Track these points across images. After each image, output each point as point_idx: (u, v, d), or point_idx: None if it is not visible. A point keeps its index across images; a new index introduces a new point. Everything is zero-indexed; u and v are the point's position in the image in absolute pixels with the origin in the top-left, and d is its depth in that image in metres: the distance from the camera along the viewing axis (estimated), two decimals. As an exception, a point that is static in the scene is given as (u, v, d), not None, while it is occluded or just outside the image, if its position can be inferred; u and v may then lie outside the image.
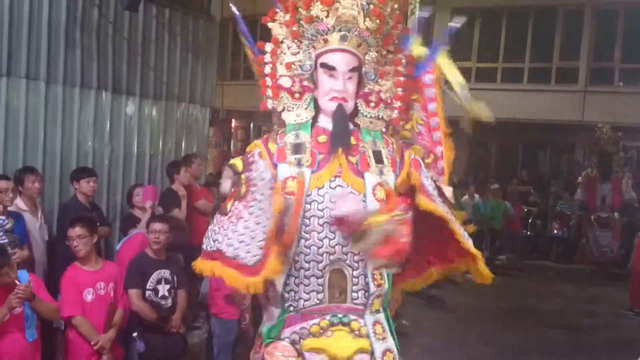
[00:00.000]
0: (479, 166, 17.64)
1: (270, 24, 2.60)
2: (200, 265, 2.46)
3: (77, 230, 4.25)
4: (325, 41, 2.45)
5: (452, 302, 9.31)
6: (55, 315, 4.17)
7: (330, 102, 2.47)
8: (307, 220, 2.41)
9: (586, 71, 15.12)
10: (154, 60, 7.33)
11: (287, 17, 2.50)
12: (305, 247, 2.40)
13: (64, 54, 6.27)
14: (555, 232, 13.31)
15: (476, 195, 12.36)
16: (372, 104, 2.55)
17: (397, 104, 2.60)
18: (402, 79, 2.60)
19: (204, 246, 2.48)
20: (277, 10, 2.58)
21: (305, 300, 2.44)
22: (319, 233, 2.41)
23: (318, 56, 2.49)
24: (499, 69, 16.09)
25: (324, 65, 2.47)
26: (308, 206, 2.40)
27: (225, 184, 2.58)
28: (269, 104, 2.53)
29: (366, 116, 2.54)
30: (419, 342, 6.98)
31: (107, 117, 6.77)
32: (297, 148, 2.44)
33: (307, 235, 2.41)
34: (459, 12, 16.49)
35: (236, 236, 2.37)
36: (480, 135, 17.67)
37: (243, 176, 2.43)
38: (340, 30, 2.44)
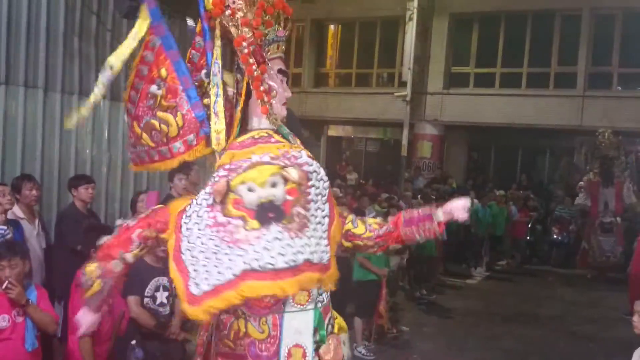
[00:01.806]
0: (478, 171, 17.64)
1: (223, 19, 2.39)
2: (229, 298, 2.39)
3: None
4: (278, 48, 2.47)
5: (451, 307, 9.31)
6: (50, 326, 4.06)
7: (283, 107, 2.48)
8: None
9: (584, 76, 15.12)
10: (153, 67, 7.31)
11: (242, 16, 2.36)
12: None
13: (62, 61, 6.27)
14: (555, 237, 13.30)
15: (475, 201, 12.31)
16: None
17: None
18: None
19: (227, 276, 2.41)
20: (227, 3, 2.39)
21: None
22: None
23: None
24: (497, 74, 16.09)
25: (282, 72, 2.47)
26: None
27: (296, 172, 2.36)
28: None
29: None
30: (419, 347, 6.93)
31: (105, 125, 6.77)
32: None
33: None
34: (457, 17, 16.54)
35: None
36: (479, 140, 17.73)
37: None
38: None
